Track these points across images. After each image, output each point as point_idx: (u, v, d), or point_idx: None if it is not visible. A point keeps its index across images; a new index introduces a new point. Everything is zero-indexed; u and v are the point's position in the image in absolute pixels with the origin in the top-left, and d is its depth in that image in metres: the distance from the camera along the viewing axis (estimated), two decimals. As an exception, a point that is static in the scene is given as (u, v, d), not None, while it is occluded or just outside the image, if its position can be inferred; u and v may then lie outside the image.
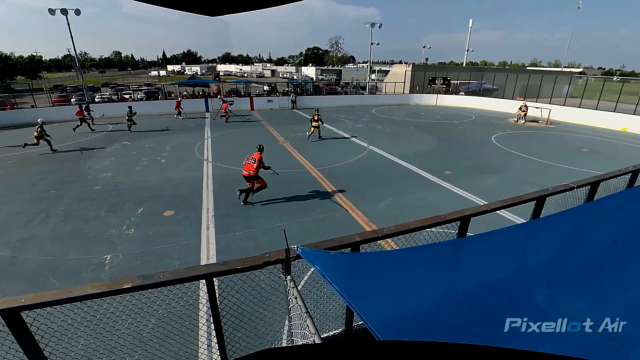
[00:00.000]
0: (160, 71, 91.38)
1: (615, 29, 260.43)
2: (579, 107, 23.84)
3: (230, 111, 21.91)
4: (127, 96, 28.41)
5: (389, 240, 2.44)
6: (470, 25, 48.42)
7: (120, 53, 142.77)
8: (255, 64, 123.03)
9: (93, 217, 7.88)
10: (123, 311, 3.64)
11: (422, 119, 23.23)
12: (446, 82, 32.80)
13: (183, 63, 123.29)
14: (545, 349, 1.20)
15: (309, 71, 68.67)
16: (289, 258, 1.96)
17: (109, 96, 28.29)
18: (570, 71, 50.13)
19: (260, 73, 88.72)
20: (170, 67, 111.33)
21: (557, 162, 12.76)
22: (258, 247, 6.48)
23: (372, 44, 35.56)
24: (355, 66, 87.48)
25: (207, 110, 24.88)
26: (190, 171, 11.20)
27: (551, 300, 1.50)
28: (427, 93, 32.74)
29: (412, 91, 33.85)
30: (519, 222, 7.00)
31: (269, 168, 8.68)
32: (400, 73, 35.12)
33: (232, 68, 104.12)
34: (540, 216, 3.40)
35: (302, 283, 5.01)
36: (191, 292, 4.25)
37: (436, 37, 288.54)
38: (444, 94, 32.43)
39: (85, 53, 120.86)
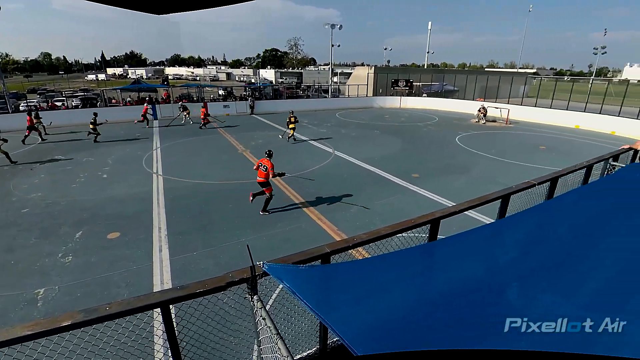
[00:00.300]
0: (98, 75, 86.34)
1: (563, 31, 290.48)
2: (535, 106, 26.22)
3: (209, 115, 21.44)
4: (59, 103, 26.43)
5: (359, 249, 2.49)
6: (429, 27, 51.39)
7: (50, 55, 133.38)
8: (208, 67, 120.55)
9: (21, 245, 7.17)
10: (62, 354, 3.32)
11: (387, 122, 24.06)
12: (409, 84, 34.36)
13: (125, 66, 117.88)
14: (545, 349, 1.28)
15: (268, 74, 68.54)
16: (254, 276, 1.92)
17: (36, 104, 26.07)
18: (525, 72, 54.87)
19: (214, 76, 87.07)
20: (110, 71, 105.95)
21: (518, 161, 13.82)
22: (219, 266, 6.27)
23: (332, 45, 36.37)
24: (316, 68, 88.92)
25: (156, 118, 23.84)
26: (138, 186, 10.62)
27: (525, 296, 1.62)
28: (391, 95, 34.05)
29: (375, 94, 35.00)
30: (487, 221, 7.45)
31: (283, 175, 8.88)
32: (362, 75, 36.21)
33: (183, 71, 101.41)
34: (506, 214, 3.66)
35: (270, 302, 4.91)
36: (144, 324, 3.99)
37: (397, 39, 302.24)
38: (407, 96, 33.93)
39: (7, 54, 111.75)
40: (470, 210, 3.40)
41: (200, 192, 10.10)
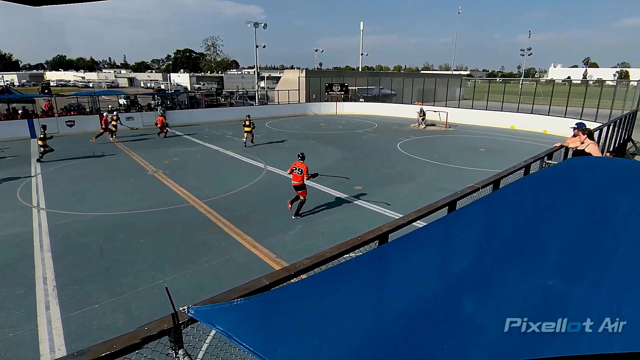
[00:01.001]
0: (-54, 83, 75.16)
1: (491, 33, 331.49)
2: (472, 108, 29.40)
3: (168, 124, 22.14)
4: None
5: (303, 276, 2.49)
6: (361, 28, 54.67)
7: None
8: (104, 71, 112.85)
9: None
10: None
11: (323, 130, 24.82)
12: (344, 88, 35.95)
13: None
14: (545, 349, 1.41)
15: (181, 78, 66.30)
16: (178, 325, 1.80)
17: None
18: (459, 74, 61.17)
19: (112, 82, 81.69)
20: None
21: (460, 165, 15.23)
22: (132, 319, 5.79)
23: (257, 46, 36.63)
24: (239, 72, 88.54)
25: (33, 136, 21.44)
26: (11, 226, 9.36)
27: (486, 288, 1.79)
28: (325, 101, 35.25)
29: (308, 100, 35.92)
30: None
31: (316, 175, 9.82)
32: (293, 80, 36.97)
33: (70, 76, 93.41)
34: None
35: (200, 355, 4.62)
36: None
37: (328, 41, 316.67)
38: (343, 101, 35.44)
39: None
40: (418, 221, 3.62)
41: (100, 227, 9.25)
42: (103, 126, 20.63)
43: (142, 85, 79.04)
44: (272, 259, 7.63)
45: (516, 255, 2.01)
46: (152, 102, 30.72)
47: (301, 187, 9.53)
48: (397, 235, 3.23)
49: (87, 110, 26.45)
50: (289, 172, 9.69)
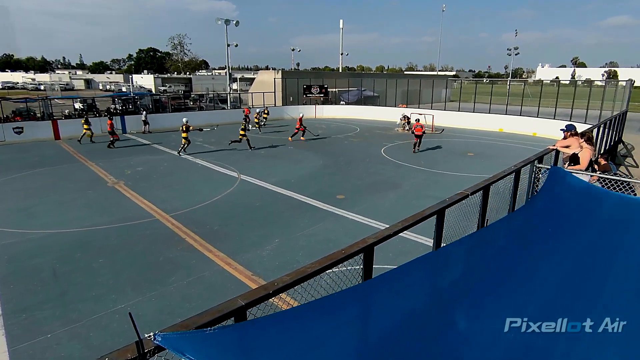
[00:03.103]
0: None
1: (477, 32, 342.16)
2: (458, 110, 30.26)
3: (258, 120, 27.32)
4: None
5: (283, 295, 2.46)
6: (341, 26, 55.49)
7: None
8: (57, 72, 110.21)
9: None
10: None
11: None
12: (323, 90, 36.26)
13: None
14: (545, 349, 1.44)
15: (145, 80, 65.67)
16: (143, 354, 1.75)
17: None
18: (445, 74, 62.79)
19: (67, 84, 79.82)
20: None
21: (448, 170, 15.59)
22: (90, 349, 5.63)
23: (229, 45, 36.59)
24: (209, 73, 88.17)
25: (-24, 146, 20.65)
26: (-50, 248, 8.94)
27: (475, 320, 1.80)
28: (304, 104, 35.46)
29: (285, 102, 36.07)
30: (424, 241, 8.11)
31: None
32: (268, 81, 37.05)
33: (18, 78, 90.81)
34: (443, 229, 4.07)
35: (168, 386, 4.50)
36: None
37: (306, 39, 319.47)
38: (323, 104, 35.77)
39: None
40: (405, 231, 3.66)
41: (53, 246, 8.96)
42: (297, 125, 22.38)
43: (100, 87, 77.72)
44: (248, 276, 7.54)
45: (506, 294, 2.05)
46: (113, 105, 30.14)
47: (420, 135, 18.49)
48: (383, 247, 3.26)
49: (38, 115, 25.67)
50: (414, 126, 18.87)
